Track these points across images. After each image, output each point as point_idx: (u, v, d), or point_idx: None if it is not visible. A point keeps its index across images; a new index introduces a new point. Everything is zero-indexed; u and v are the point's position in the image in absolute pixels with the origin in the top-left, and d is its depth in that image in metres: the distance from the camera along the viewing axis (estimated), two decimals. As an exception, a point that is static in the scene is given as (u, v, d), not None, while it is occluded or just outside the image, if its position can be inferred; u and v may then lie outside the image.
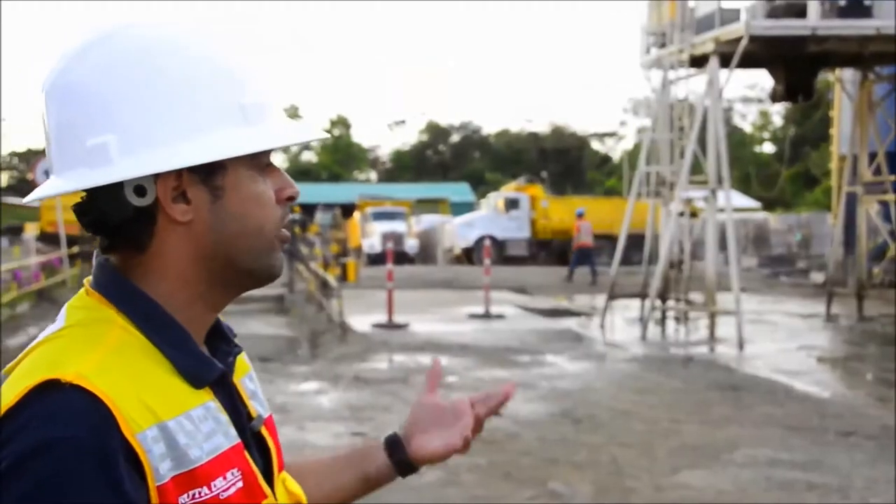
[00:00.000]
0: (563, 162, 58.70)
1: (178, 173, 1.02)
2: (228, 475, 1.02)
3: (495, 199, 31.33)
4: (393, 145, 65.04)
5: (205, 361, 1.06)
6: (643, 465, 6.33)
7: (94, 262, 1.08)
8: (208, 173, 1.03)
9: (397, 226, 30.39)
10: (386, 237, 27.58)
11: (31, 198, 1.08)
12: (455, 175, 57.64)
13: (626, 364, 10.53)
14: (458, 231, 30.30)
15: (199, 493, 0.99)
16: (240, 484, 1.03)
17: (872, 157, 14.75)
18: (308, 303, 15.49)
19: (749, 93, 54.20)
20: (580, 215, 23.74)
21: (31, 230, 22.56)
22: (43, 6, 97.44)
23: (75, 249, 17.59)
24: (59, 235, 17.68)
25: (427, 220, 34.36)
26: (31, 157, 41.00)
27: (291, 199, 1.10)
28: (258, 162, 1.06)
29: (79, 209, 1.05)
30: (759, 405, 8.24)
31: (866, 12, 12.53)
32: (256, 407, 1.16)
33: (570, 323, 14.16)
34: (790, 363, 10.73)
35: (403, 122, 66.24)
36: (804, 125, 43.07)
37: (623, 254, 14.60)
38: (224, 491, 1.01)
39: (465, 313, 14.96)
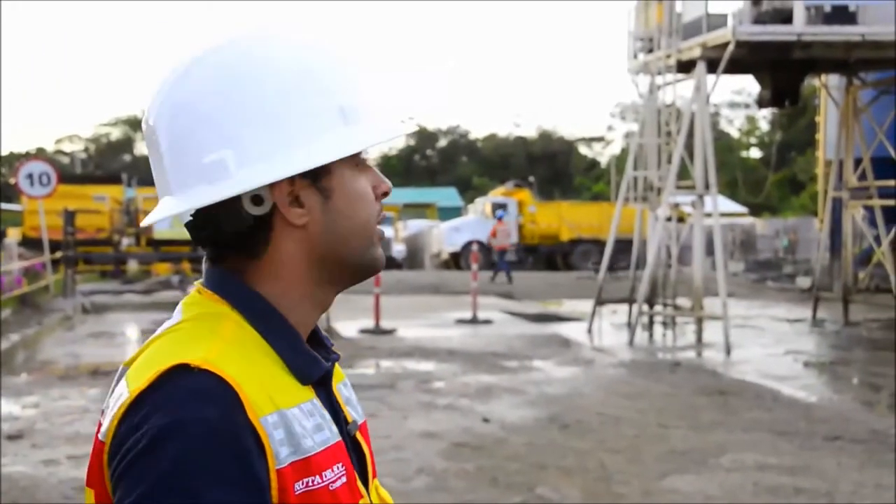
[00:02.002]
0: (551, 166, 58.77)
1: (291, 179, 1.07)
2: (335, 468, 1.06)
3: (483, 203, 31.32)
4: (380, 150, 64.88)
5: (313, 359, 1.10)
6: (631, 470, 6.31)
7: (203, 268, 1.13)
8: (317, 176, 1.08)
9: (384, 230, 30.31)
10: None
11: (149, 220, 1.13)
12: (443, 180, 57.66)
13: (613, 369, 10.52)
14: (445, 236, 30.28)
15: (313, 481, 1.03)
16: (344, 479, 1.07)
17: (858, 162, 14.81)
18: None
19: (736, 98, 54.39)
20: (500, 218, 24.36)
21: (13, 235, 22.39)
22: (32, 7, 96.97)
23: (58, 255, 17.46)
24: (41, 241, 17.55)
25: (414, 224, 34.32)
26: (13, 161, 40.70)
27: (386, 194, 1.14)
28: (357, 160, 1.10)
29: (194, 225, 1.10)
30: (747, 410, 8.24)
31: (851, 18, 12.59)
32: (351, 413, 1.19)
33: (557, 328, 14.15)
34: (777, 368, 10.75)
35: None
36: (790, 130, 43.30)
37: (610, 259, 14.60)
38: (332, 483, 1.05)
39: (453, 318, 14.94)
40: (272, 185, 1.06)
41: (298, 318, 1.10)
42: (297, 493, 1.01)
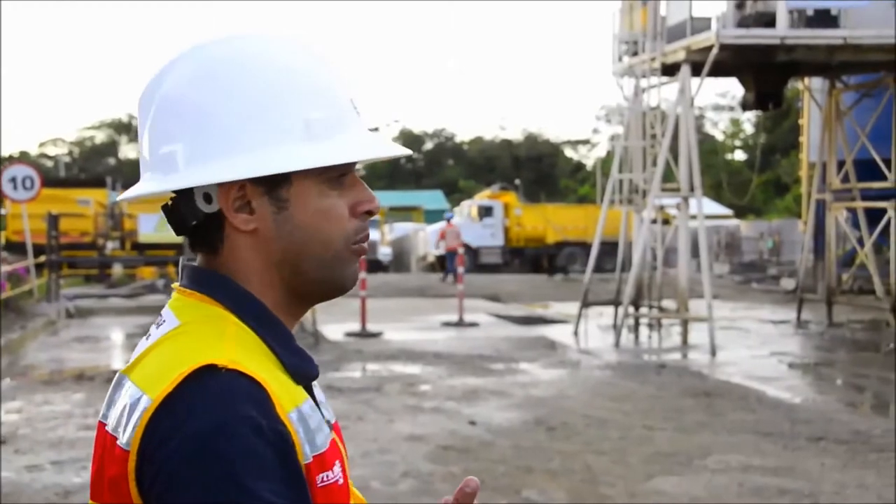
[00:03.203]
0: (537, 169, 58.81)
1: (241, 184, 1.06)
2: (336, 464, 1.07)
3: (469, 206, 31.33)
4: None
5: (307, 359, 1.11)
6: (617, 472, 6.33)
7: (181, 266, 1.13)
8: (272, 186, 1.06)
9: (370, 234, 30.27)
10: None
11: (122, 197, 1.15)
12: (429, 183, 57.63)
13: (599, 371, 10.54)
14: (431, 239, 30.27)
15: (327, 476, 1.04)
16: (342, 476, 1.08)
17: (841, 164, 14.90)
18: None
19: (720, 101, 54.75)
20: (448, 220, 25.15)
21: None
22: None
23: (42, 259, 17.36)
24: (25, 245, 17.45)
25: (400, 227, 34.29)
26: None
27: (370, 213, 1.12)
28: (328, 176, 1.07)
29: (167, 208, 1.12)
30: (732, 411, 8.27)
31: (834, 22, 12.68)
32: (325, 414, 1.17)
33: (543, 330, 14.17)
34: (762, 369, 10.79)
35: (376, 129, 65.88)
36: (774, 133, 43.50)
37: (596, 261, 14.63)
38: (339, 479, 1.06)
39: (439, 321, 14.94)
40: (220, 187, 1.06)
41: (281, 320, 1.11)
42: (318, 485, 1.02)
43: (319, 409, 1.14)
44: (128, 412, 1.01)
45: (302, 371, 1.09)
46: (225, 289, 1.08)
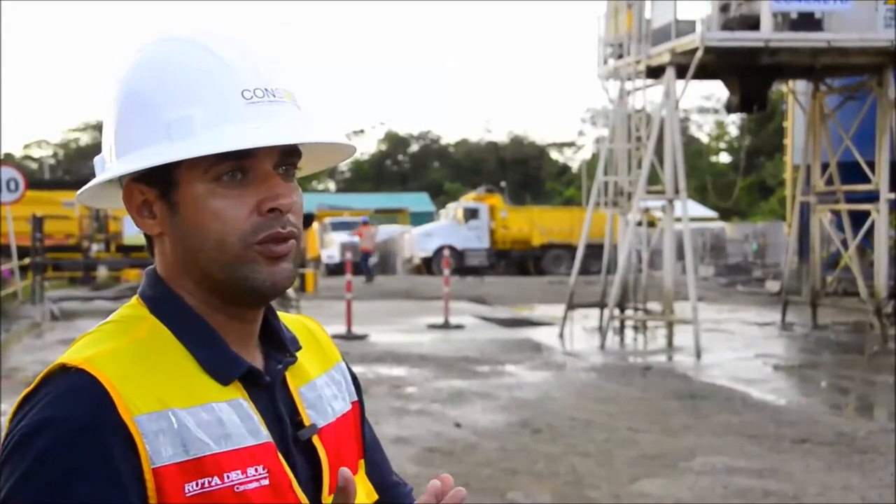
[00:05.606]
0: (523, 172, 58.87)
1: (141, 190, 1.09)
2: (250, 471, 1.05)
3: (454, 208, 31.34)
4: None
5: (230, 359, 1.09)
6: (602, 474, 6.34)
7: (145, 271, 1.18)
8: (164, 190, 1.08)
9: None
10: (345, 247, 27.44)
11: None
12: (414, 185, 57.56)
13: (584, 373, 10.56)
14: (417, 241, 30.25)
15: (209, 482, 1.02)
16: (265, 482, 1.05)
17: (825, 167, 14.97)
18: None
19: (705, 103, 54.88)
20: (365, 223, 25.96)
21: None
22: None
23: (26, 261, 17.26)
24: (9, 247, 17.34)
25: (386, 230, 34.24)
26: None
27: (274, 210, 1.07)
28: (217, 175, 1.05)
29: None
30: (717, 413, 8.30)
31: (817, 25, 12.74)
32: (312, 416, 1.16)
33: (529, 333, 14.18)
34: (747, 371, 10.83)
35: (362, 131, 65.89)
36: (759, 135, 43.70)
37: (582, 263, 14.66)
38: (241, 484, 1.04)
39: (425, 324, 14.93)
40: (124, 192, 1.11)
41: (218, 324, 1.10)
42: (188, 493, 1.01)
43: (286, 411, 1.11)
44: None
45: (223, 371, 1.07)
46: (154, 290, 1.12)
